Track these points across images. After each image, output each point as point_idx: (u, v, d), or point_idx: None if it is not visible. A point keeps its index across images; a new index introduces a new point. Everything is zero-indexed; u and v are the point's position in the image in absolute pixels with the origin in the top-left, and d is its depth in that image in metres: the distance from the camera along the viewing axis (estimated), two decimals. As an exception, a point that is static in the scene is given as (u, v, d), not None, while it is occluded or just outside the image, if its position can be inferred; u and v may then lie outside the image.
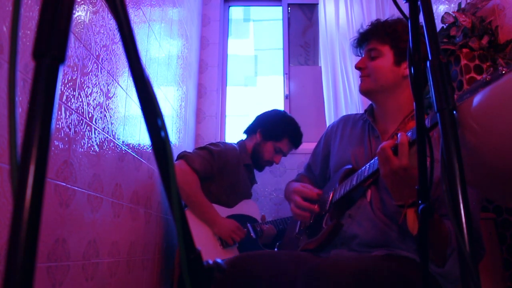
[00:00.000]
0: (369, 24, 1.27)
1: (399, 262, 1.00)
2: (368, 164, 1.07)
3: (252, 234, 1.97)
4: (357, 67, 1.26)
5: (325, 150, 1.40)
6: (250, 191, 2.16)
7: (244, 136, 2.19)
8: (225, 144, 2.06)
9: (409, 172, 0.90)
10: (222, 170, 1.96)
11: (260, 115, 2.13)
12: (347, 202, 1.18)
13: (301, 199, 1.23)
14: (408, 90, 1.20)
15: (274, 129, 2.01)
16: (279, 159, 2.07)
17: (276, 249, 1.54)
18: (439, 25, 2.17)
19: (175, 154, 1.95)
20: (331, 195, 1.22)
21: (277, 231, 2.07)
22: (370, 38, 1.24)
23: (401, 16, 0.69)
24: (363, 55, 1.27)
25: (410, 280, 0.92)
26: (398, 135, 0.93)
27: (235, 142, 2.16)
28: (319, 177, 1.43)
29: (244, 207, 2.06)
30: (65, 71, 0.99)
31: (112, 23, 1.28)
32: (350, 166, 1.21)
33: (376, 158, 1.02)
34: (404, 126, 1.17)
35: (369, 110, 1.30)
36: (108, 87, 1.27)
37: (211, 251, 1.82)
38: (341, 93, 2.79)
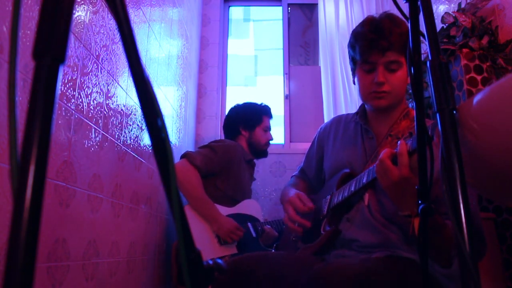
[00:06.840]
0: (381, 30, 1.08)
1: (402, 264, 0.99)
2: (367, 170, 1.05)
3: (253, 233, 1.98)
4: (380, 82, 1.09)
5: (319, 153, 1.38)
6: (251, 188, 2.20)
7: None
8: (229, 141, 2.12)
9: (411, 181, 0.87)
10: (227, 165, 1.98)
11: (228, 117, 2.26)
12: (345, 207, 1.17)
13: (294, 212, 1.21)
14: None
15: (252, 117, 2.20)
16: (270, 135, 2.26)
17: (273, 251, 1.53)
18: (439, 25, 2.17)
19: (175, 154, 1.96)
20: (329, 200, 1.21)
21: (279, 232, 2.07)
22: (389, 49, 1.09)
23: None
24: (375, 64, 1.11)
25: (412, 283, 0.92)
26: (398, 143, 0.90)
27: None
28: (314, 179, 1.42)
29: (246, 206, 2.07)
30: (65, 71, 0.99)
31: (112, 23, 1.28)
32: (347, 171, 1.19)
33: (375, 164, 1.00)
34: (397, 126, 1.15)
35: (361, 112, 1.26)
36: (108, 87, 1.27)
37: (209, 247, 1.83)
38: (341, 93, 2.79)
